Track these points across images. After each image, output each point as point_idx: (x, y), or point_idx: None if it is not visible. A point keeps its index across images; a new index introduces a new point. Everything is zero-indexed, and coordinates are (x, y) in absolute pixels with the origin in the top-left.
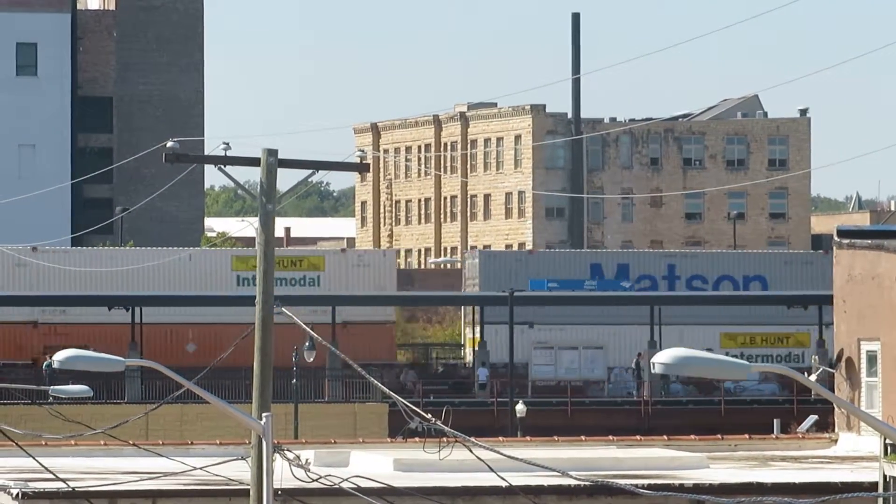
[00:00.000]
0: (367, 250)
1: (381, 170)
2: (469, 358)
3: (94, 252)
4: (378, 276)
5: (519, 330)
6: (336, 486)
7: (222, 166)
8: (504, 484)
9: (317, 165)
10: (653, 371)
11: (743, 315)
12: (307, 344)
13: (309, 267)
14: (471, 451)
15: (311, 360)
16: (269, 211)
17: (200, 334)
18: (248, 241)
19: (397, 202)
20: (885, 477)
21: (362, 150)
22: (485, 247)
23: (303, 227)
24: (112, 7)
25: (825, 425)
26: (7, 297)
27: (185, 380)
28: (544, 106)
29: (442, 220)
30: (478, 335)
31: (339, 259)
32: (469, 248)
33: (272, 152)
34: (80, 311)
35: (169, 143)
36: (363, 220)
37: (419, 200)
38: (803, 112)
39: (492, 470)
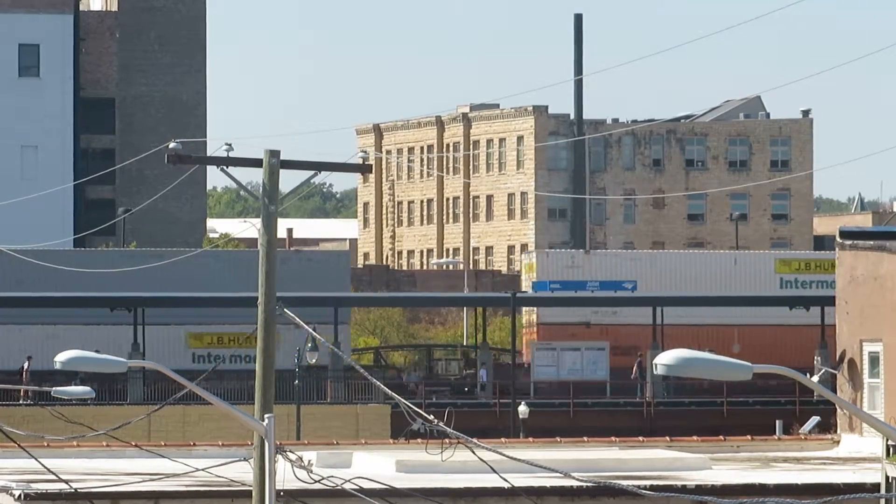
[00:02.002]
0: None
1: (384, 171)
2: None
3: (637, 255)
4: None
5: None
6: (338, 488)
7: (224, 167)
8: (506, 485)
9: (319, 166)
10: (655, 372)
11: None
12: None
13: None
14: (473, 452)
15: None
16: (271, 212)
17: (744, 335)
18: (251, 243)
19: (399, 203)
20: (887, 478)
21: (364, 151)
22: (487, 248)
23: (305, 228)
24: (114, 8)
25: (827, 426)
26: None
27: (187, 381)
28: (547, 107)
29: (444, 221)
30: None
31: None
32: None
33: (274, 153)
34: (630, 312)
35: (171, 144)
36: (365, 221)
37: (421, 201)
38: (805, 113)
39: (494, 471)
